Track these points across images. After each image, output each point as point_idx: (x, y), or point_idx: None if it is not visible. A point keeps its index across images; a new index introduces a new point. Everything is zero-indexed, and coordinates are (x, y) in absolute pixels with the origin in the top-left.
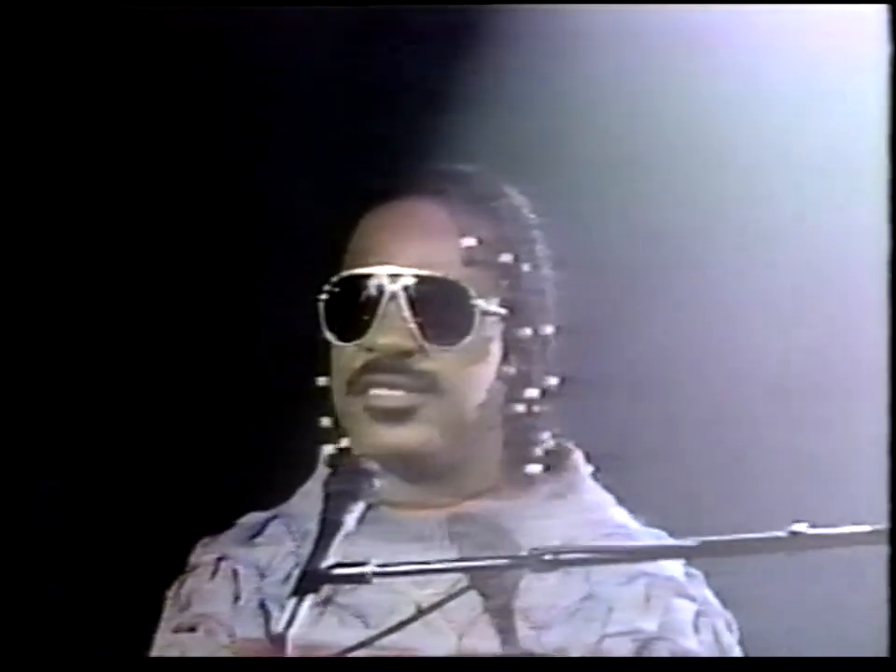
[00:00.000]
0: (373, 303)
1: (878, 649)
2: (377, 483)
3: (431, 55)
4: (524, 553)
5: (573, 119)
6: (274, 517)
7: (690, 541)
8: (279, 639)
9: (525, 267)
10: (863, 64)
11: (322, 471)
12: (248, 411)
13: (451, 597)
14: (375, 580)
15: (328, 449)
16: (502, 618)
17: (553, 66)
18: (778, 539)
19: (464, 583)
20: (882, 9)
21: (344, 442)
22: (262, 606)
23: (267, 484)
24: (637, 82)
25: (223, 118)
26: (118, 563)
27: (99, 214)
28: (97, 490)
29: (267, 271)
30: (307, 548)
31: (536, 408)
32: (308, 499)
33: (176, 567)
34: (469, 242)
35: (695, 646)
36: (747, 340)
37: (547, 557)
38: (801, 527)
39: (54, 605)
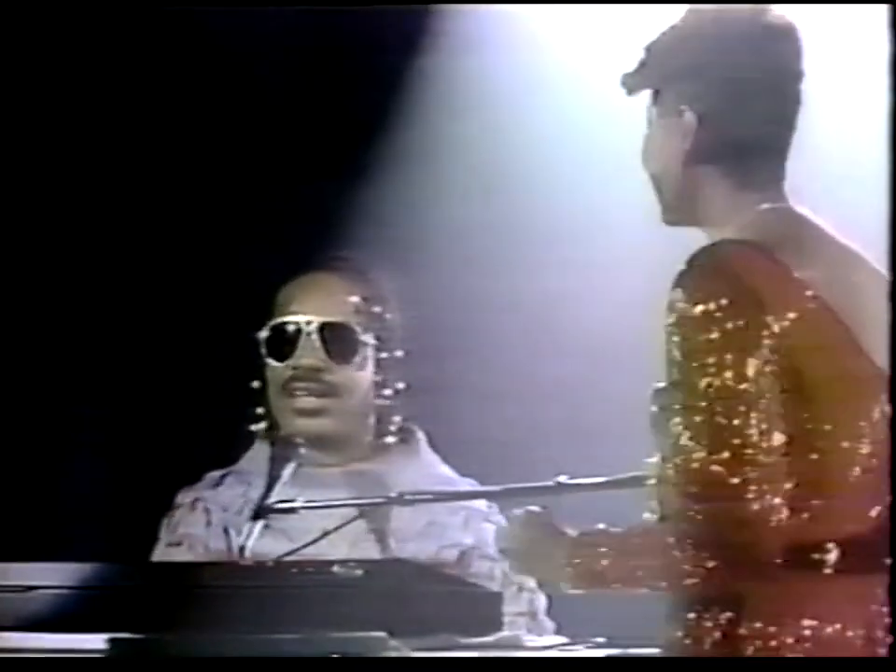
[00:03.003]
0: (296, 338)
1: None
2: (303, 450)
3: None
4: (393, 494)
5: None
6: (228, 473)
7: (492, 488)
8: (241, 549)
9: (388, 315)
10: (863, 64)
11: (259, 444)
12: (207, 404)
13: (346, 523)
14: (301, 511)
15: (260, 427)
16: (379, 536)
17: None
18: (548, 486)
19: (354, 514)
20: (882, 9)
21: (264, 425)
22: (225, 530)
23: (220, 451)
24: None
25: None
26: (130, 500)
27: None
28: (116, 456)
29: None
30: (253, 493)
31: (391, 402)
32: (253, 462)
33: (167, 504)
34: (356, 299)
35: (496, 552)
36: (536, 342)
37: (408, 497)
38: (563, 478)
39: (93, 544)
